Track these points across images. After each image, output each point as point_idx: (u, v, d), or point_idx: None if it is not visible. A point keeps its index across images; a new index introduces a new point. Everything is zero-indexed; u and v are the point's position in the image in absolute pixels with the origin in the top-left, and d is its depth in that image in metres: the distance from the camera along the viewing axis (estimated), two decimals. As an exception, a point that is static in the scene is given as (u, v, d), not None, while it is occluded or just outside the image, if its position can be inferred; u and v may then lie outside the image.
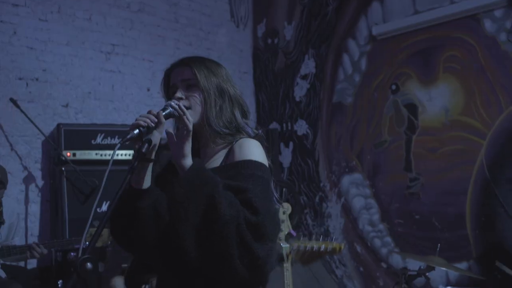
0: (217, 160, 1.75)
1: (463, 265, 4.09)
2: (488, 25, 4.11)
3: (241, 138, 1.75)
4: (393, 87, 4.71)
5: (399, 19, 4.69)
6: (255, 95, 6.04)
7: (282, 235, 3.37)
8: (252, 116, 6.00)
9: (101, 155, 4.41)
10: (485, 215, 4.05)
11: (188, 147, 1.62)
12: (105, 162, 4.25)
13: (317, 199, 5.30)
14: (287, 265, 3.19)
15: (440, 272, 4.09)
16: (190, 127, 1.61)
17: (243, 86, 6.00)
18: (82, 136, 4.41)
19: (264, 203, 1.53)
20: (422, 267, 3.45)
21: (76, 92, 4.76)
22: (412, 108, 4.57)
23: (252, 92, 6.09)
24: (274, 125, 5.76)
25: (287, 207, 3.41)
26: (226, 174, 1.62)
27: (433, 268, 3.39)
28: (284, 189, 5.32)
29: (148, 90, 5.22)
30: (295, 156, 5.54)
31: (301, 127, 5.49)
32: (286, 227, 3.39)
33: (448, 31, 4.35)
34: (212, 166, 1.73)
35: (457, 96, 4.28)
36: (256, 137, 1.79)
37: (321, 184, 5.27)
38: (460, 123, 4.24)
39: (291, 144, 5.59)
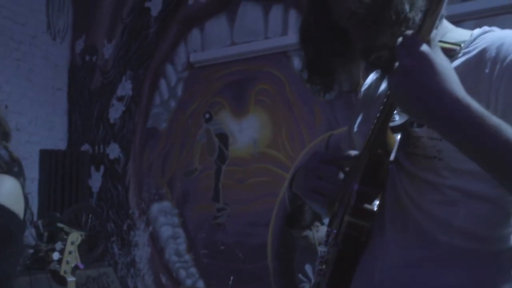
0: None
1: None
2: (296, 62, 4.27)
3: None
4: (207, 115, 4.69)
5: (216, 48, 4.71)
6: (68, 113, 5.66)
7: (68, 267, 3.09)
8: (64, 136, 5.60)
9: None
10: (285, 247, 4.14)
11: None
12: None
13: (125, 226, 5.06)
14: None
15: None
16: None
17: (55, 103, 5.58)
18: None
19: None
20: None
21: None
22: (224, 138, 4.58)
23: (65, 111, 5.69)
24: (85, 147, 5.43)
25: (76, 238, 3.12)
26: None
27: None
28: (90, 215, 5.00)
29: None
30: (105, 180, 5.25)
31: (114, 150, 5.24)
32: (73, 259, 3.11)
33: (261, 65, 4.45)
34: None
35: (266, 129, 4.37)
36: (11, 168, 1.67)
37: (130, 211, 5.05)
38: (267, 156, 4.33)
39: (102, 167, 5.30)
